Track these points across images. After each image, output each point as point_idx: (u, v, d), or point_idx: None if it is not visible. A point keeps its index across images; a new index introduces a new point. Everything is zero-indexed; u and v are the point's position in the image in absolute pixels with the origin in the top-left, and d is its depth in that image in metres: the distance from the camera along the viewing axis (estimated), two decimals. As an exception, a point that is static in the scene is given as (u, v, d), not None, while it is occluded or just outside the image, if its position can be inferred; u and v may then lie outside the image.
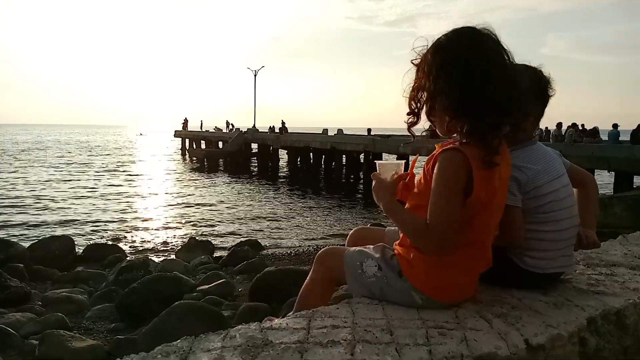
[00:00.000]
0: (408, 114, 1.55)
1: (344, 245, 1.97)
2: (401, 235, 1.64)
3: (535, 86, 1.75)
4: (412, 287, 1.55)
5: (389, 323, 1.43)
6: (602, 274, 2.01)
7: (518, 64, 1.62)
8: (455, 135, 1.51)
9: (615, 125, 19.09)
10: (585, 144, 18.38)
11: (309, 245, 11.28)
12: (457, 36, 1.45)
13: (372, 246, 1.73)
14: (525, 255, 1.71)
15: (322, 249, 1.85)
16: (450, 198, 1.43)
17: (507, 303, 1.62)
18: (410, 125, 1.56)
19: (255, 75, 48.54)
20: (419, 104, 1.53)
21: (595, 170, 15.53)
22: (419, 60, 1.51)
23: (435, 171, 1.47)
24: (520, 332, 1.39)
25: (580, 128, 20.89)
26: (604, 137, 19.71)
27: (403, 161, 1.67)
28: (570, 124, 20.93)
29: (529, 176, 1.67)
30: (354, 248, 1.76)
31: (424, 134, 1.64)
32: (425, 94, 1.49)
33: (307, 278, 1.81)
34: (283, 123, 36.67)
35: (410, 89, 1.53)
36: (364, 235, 1.98)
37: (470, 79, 1.39)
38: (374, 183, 1.63)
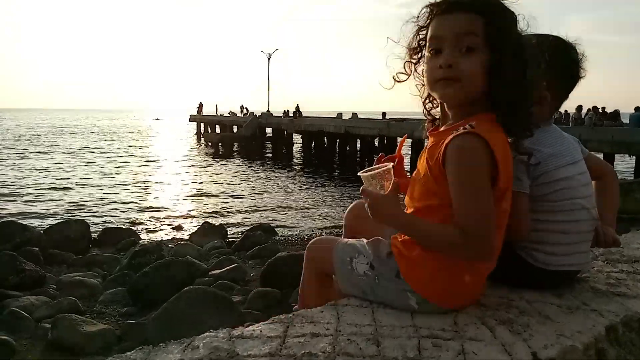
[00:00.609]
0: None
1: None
2: None
3: (558, 62, 1.55)
4: (409, 288, 1.37)
5: (376, 331, 1.26)
6: (624, 271, 1.79)
7: (543, 35, 1.50)
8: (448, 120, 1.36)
9: (637, 109, 18.57)
10: (605, 127, 17.93)
11: (322, 230, 11.23)
12: None
13: (365, 240, 1.53)
14: (534, 250, 1.53)
15: (311, 241, 1.66)
16: (480, 193, 1.23)
17: (515, 307, 1.44)
18: None
19: (269, 59, 48.33)
20: None
21: (616, 154, 15.17)
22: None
23: (451, 163, 1.24)
24: (527, 343, 1.22)
25: (601, 111, 20.37)
26: (625, 121, 19.21)
27: (391, 163, 1.42)
28: (590, 107, 20.42)
29: (539, 159, 1.49)
30: (345, 240, 1.57)
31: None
32: None
33: (301, 278, 1.66)
34: (297, 107, 36.51)
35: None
36: (363, 214, 1.69)
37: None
38: (367, 201, 1.37)
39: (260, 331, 1.26)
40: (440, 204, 1.30)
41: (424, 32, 1.34)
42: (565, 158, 1.54)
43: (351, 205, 1.80)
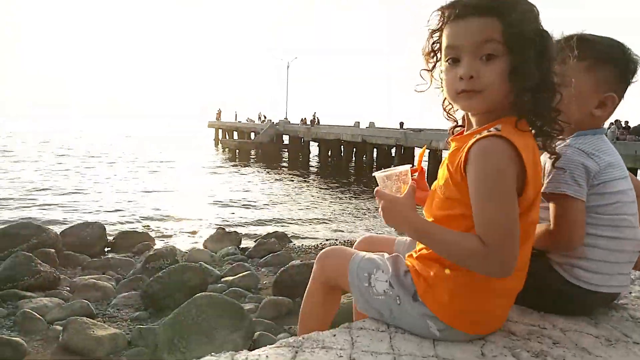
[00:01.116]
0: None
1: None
2: (418, 245, 1.34)
3: (619, 63, 1.44)
4: (429, 313, 1.24)
5: (394, 360, 1.12)
6: (667, 300, 1.64)
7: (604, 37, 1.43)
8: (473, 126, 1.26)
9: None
10: (628, 141, 17.55)
11: (336, 239, 11.15)
12: None
13: (386, 254, 1.42)
14: (574, 266, 1.40)
15: (324, 249, 1.51)
16: (504, 199, 1.11)
17: (547, 336, 1.30)
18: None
19: (288, 67, 48.63)
20: None
21: (639, 170, 14.83)
22: None
23: (473, 166, 1.13)
24: (563, 381, 1.06)
25: (624, 125, 19.98)
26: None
27: (409, 166, 1.34)
28: (612, 121, 20.02)
29: (601, 167, 1.37)
30: (363, 254, 1.44)
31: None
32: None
33: (307, 287, 1.52)
34: (315, 115, 36.60)
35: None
36: (372, 245, 1.63)
37: None
38: (381, 203, 1.27)
39: (267, 357, 1.15)
40: (461, 213, 1.19)
41: (437, 35, 1.26)
42: (620, 170, 1.43)
43: (360, 238, 1.71)
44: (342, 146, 30.93)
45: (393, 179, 1.29)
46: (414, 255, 1.34)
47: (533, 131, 1.21)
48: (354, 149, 29.76)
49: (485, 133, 1.14)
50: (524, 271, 1.27)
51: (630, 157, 14.21)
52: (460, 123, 1.38)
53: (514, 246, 1.11)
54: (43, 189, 17.28)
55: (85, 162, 27.89)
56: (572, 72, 1.40)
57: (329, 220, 13.82)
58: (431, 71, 1.31)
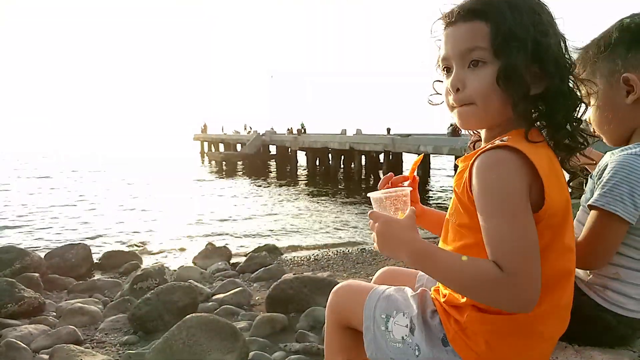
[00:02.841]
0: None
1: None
2: None
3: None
4: None
5: None
6: None
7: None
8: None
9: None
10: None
11: (328, 250, 11.02)
12: None
13: (410, 291, 1.23)
14: (609, 288, 1.23)
15: (339, 284, 1.33)
16: (516, 215, 0.95)
17: None
18: None
19: (272, 77, 48.72)
20: None
21: None
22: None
23: (477, 182, 0.99)
24: None
25: None
26: None
27: (409, 188, 1.20)
28: None
29: None
30: (382, 289, 1.25)
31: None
32: None
33: (325, 324, 1.35)
34: (302, 125, 36.57)
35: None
36: (394, 279, 1.43)
37: None
38: (378, 227, 1.08)
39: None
40: (476, 242, 1.02)
41: (439, 44, 1.14)
42: None
43: (380, 271, 1.51)
44: (330, 154, 30.90)
45: (391, 200, 1.13)
46: (442, 290, 1.15)
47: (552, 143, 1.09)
48: (342, 157, 29.74)
49: (489, 146, 1.01)
50: (567, 310, 1.11)
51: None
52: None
53: (531, 270, 0.93)
54: (24, 212, 16.93)
55: (66, 180, 27.46)
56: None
57: (320, 231, 13.69)
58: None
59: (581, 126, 1.08)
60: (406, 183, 1.36)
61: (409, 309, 1.17)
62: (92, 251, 9.33)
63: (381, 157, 26.55)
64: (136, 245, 11.52)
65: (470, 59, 1.05)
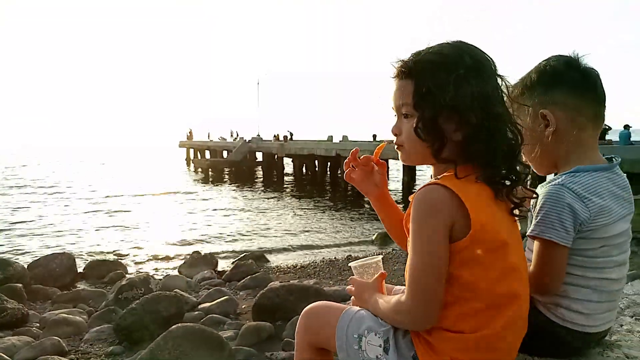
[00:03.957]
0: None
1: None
2: None
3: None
4: None
5: None
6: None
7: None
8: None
9: (626, 127, 18.61)
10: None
11: (314, 257, 11.05)
12: None
13: None
14: (560, 306, 1.34)
15: (308, 306, 1.39)
16: (425, 251, 1.10)
17: None
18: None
19: (258, 83, 48.85)
20: None
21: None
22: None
23: (410, 219, 1.13)
24: None
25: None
26: (615, 138, 19.29)
27: (380, 256, 1.40)
28: (624, 125, 20.08)
29: (591, 213, 1.29)
30: (355, 309, 1.32)
31: None
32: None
33: (295, 344, 1.39)
34: (290, 132, 36.61)
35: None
36: None
37: None
38: (354, 290, 1.36)
39: None
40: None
41: None
42: (611, 215, 1.33)
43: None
44: (316, 161, 30.97)
45: (364, 268, 1.38)
46: None
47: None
48: (329, 163, 29.83)
49: (425, 183, 1.16)
50: (524, 320, 1.20)
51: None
52: None
53: (427, 298, 1.10)
54: (7, 223, 16.70)
55: (49, 191, 27.11)
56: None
57: (307, 237, 13.71)
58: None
59: (517, 161, 1.18)
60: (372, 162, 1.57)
61: (383, 329, 1.23)
62: (76, 261, 9.25)
63: (367, 163, 26.63)
64: (121, 255, 11.43)
65: (401, 112, 1.23)
